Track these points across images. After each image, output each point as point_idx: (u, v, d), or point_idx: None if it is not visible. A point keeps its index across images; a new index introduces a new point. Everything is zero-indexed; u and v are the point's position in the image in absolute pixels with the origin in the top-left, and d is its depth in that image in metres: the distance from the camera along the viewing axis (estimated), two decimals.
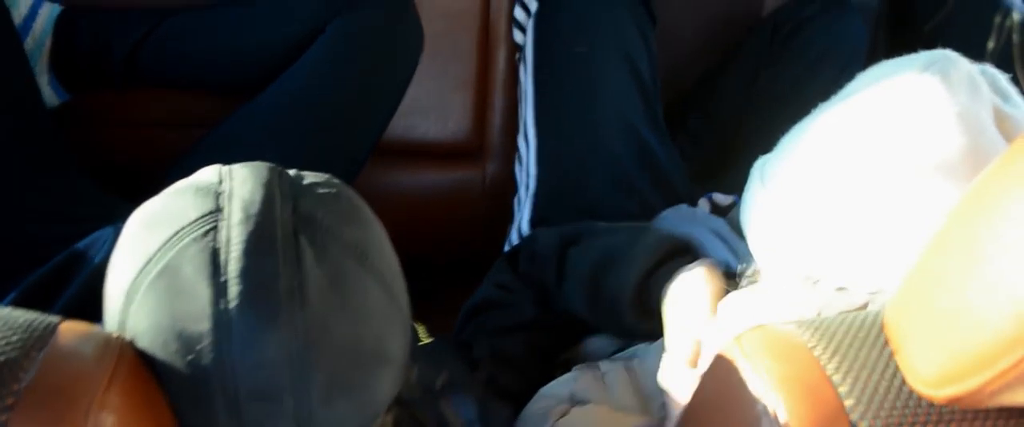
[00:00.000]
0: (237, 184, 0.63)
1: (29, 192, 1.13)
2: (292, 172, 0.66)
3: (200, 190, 0.63)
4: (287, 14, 1.27)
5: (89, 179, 1.23)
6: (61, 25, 1.28)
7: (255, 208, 0.60)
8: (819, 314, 0.74)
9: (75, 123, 1.30)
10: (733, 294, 0.83)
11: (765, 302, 0.79)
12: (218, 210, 0.61)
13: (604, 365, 0.94)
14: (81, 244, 0.96)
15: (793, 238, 0.80)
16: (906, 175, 0.73)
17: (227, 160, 1.26)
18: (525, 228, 1.17)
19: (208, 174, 0.65)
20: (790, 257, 0.81)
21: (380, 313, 0.64)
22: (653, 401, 0.87)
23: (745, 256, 0.89)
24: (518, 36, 1.30)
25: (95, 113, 1.32)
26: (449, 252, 1.32)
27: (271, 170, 0.64)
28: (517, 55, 1.29)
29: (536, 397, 0.94)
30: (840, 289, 0.76)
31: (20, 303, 0.92)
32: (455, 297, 1.11)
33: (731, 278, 0.88)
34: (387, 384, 0.65)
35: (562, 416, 0.89)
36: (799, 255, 0.80)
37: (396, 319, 0.66)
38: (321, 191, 0.64)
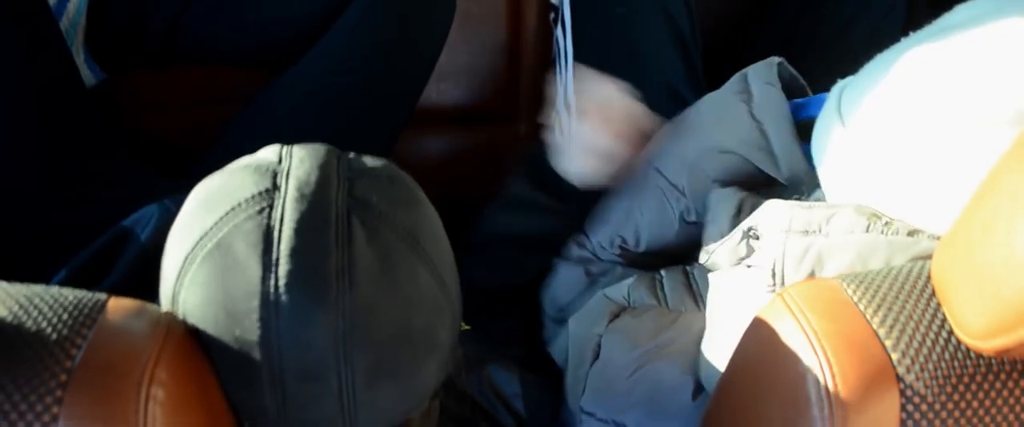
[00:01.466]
0: (295, 164, 0.63)
1: (72, 172, 1.14)
2: (351, 155, 0.66)
3: (259, 168, 0.63)
4: None
5: (130, 157, 1.24)
6: (94, 4, 1.29)
7: (310, 188, 0.61)
8: (886, 262, 0.71)
9: (113, 101, 1.32)
10: (779, 202, 0.80)
11: (826, 231, 0.75)
12: (275, 189, 0.61)
13: (662, 271, 0.94)
14: (127, 222, 0.97)
15: (869, 178, 0.76)
16: (1000, 124, 0.69)
17: (265, 133, 1.26)
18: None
19: (268, 153, 0.66)
20: (864, 196, 0.77)
21: (429, 299, 0.64)
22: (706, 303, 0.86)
23: (786, 163, 0.87)
24: None
25: (132, 91, 1.33)
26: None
27: (330, 151, 0.65)
28: (552, 15, 1.27)
29: (595, 298, 0.94)
30: (912, 233, 0.73)
31: (69, 283, 0.93)
32: None
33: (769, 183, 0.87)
34: (433, 371, 0.66)
35: (615, 318, 0.90)
36: (874, 196, 0.77)
37: (445, 306, 0.66)
38: (377, 175, 0.65)
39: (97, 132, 1.22)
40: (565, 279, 1.01)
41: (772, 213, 0.78)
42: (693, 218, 0.94)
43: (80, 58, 1.29)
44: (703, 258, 0.88)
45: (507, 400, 0.88)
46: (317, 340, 0.59)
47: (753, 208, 0.85)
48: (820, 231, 0.75)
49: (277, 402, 0.61)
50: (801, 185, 0.87)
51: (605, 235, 1.00)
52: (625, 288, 0.92)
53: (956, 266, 0.58)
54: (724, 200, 0.88)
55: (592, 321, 0.91)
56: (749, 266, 0.79)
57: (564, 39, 1.18)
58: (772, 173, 0.89)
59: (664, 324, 0.88)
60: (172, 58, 1.32)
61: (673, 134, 0.99)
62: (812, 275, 0.74)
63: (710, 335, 0.82)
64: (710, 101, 0.97)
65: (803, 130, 0.88)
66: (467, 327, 0.97)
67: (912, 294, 0.63)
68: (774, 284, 0.75)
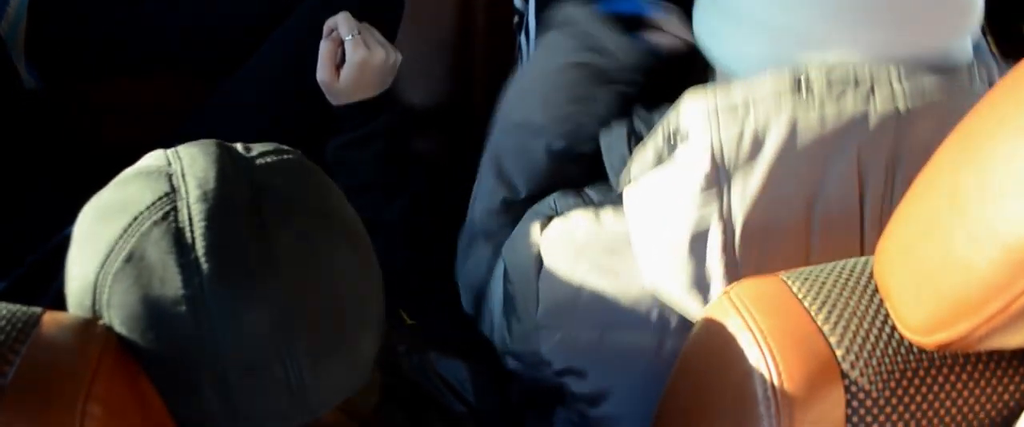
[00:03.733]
0: (187, 163, 0.62)
1: (12, 181, 1.12)
2: (239, 145, 0.65)
3: (150, 174, 0.62)
4: None
5: (72, 164, 1.22)
6: (36, 7, 1.26)
7: (211, 183, 0.60)
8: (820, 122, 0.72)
9: (55, 109, 1.29)
10: (694, 92, 0.79)
11: (754, 99, 0.75)
12: (173, 191, 0.60)
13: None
14: (69, 230, 0.95)
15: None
16: None
17: (215, 138, 1.26)
18: None
19: (154, 158, 0.64)
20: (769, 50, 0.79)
21: (352, 270, 0.64)
22: None
23: None
24: (520, 3, 1.24)
25: (76, 98, 1.30)
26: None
27: (218, 145, 0.64)
28: (516, 19, 1.26)
29: (521, 221, 0.94)
30: (832, 84, 0.74)
31: (10, 294, 0.91)
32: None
33: None
34: (370, 340, 0.66)
35: (545, 228, 0.90)
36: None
37: (368, 273, 0.66)
38: (273, 159, 0.64)
39: (38, 138, 1.20)
40: (474, 261, 1.02)
41: (692, 104, 0.76)
42: (560, 146, 0.94)
43: (21, 63, 1.26)
44: (619, 182, 0.87)
45: (455, 387, 0.88)
46: (253, 333, 0.58)
47: (644, 120, 0.86)
48: (750, 104, 0.74)
49: (224, 402, 0.60)
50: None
51: (485, 203, 1.01)
52: (550, 200, 0.92)
53: (896, 263, 0.59)
54: (614, 132, 0.90)
55: (525, 240, 0.91)
56: (676, 166, 0.77)
57: (528, 46, 1.17)
58: (613, 68, 0.91)
59: (596, 231, 0.87)
60: (115, 64, 1.30)
61: (512, 82, 1.02)
62: (756, 149, 0.72)
63: (642, 252, 0.81)
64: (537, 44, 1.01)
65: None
66: (411, 322, 0.97)
67: (855, 290, 0.64)
68: (717, 172, 0.73)
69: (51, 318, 0.58)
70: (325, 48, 1.08)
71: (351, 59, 1.07)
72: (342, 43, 1.08)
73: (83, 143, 1.27)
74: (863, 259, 0.67)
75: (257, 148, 0.65)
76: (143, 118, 1.31)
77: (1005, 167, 0.51)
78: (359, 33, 1.08)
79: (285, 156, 0.65)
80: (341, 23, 1.08)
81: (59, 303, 0.65)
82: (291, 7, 1.22)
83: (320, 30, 1.10)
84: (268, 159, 0.64)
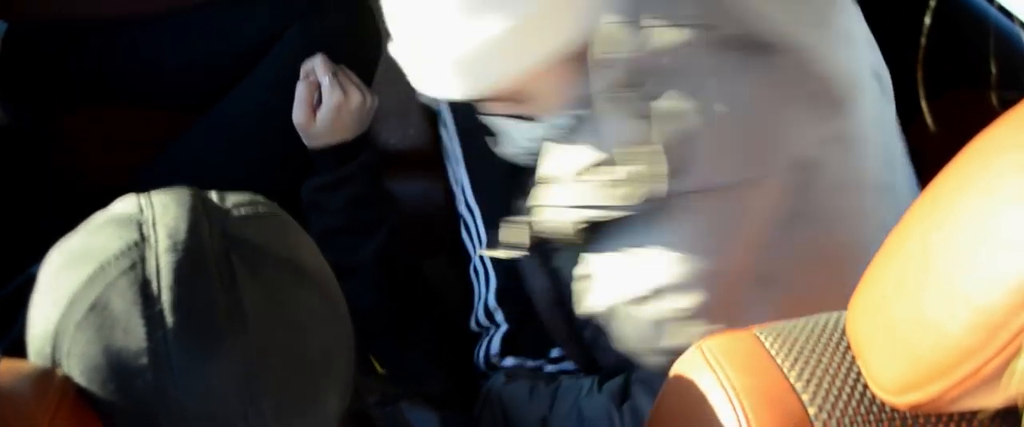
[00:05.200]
0: (159, 211, 0.61)
1: None
2: (214, 194, 0.64)
3: (121, 221, 0.61)
4: (246, 20, 1.25)
5: (45, 200, 1.20)
6: (9, 42, 1.25)
7: (181, 234, 0.59)
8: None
9: (33, 142, 1.28)
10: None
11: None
12: (143, 240, 0.59)
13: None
14: (34, 268, 0.94)
15: None
16: None
17: (190, 175, 1.24)
18: (492, 302, 1.13)
19: (126, 204, 0.63)
20: None
21: (321, 327, 0.63)
22: None
23: None
24: (429, 98, 1.21)
25: (48, 129, 1.29)
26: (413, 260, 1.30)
27: (193, 194, 0.63)
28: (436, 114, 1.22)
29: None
30: None
31: None
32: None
33: None
34: (337, 396, 0.64)
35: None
36: None
37: (339, 329, 0.65)
38: (247, 210, 0.63)
39: (10, 175, 1.19)
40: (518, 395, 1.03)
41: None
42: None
43: None
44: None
45: None
46: (218, 389, 0.57)
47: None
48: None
49: None
50: None
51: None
52: None
53: (868, 322, 0.59)
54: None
55: None
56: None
57: (451, 141, 1.16)
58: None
59: None
60: (92, 98, 1.29)
61: None
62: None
63: None
64: None
65: None
66: (382, 370, 0.96)
67: (828, 347, 0.63)
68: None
69: (7, 366, 0.56)
70: (301, 90, 1.07)
71: (327, 102, 1.06)
72: (319, 86, 1.07)
73: (56, 176, 1.26)
74: (836, 315, 0.66)
75: (232, 198, 0.64)
76: (117, 151, 1.29)
77: (973, 227, 0.51)
78: (336, 76, 1.07)
79: (260, 208, 0.64)
80: (318, 66, 1.08)
81: (20, 346, 0.64)
82: (269, 46, 1.21)
83: (297, 71, 1.09)
84: (242, 210, 0.63)
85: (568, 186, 0.86)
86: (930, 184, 0.56)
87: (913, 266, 0.54)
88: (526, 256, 0.94)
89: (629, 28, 0.81)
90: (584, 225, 0.85)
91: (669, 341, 0.84)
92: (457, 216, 1.17)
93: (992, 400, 0.54)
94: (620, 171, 0.83)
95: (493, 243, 0.96)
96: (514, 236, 0.91)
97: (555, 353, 1.10)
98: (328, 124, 1.07)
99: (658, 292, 0.84)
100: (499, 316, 1.12)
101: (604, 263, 0.87)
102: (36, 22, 1.27)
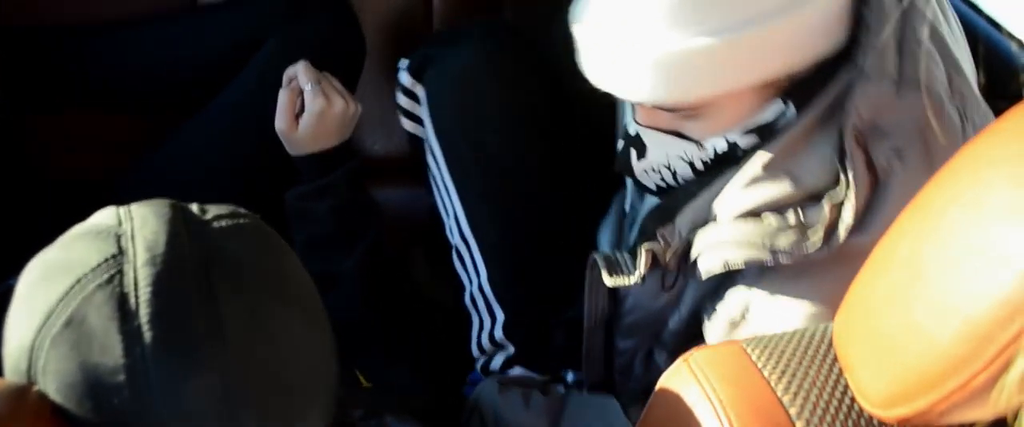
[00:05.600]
0: (138, 224, 0.59)
1: None
2: (194, 206, 0.63)
3: (99, 234, 0.59)
4: (228, 25, 1.24)
5: (18, 204, 1.19)
6: None
7: (160, 247, 0.58)
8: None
9: (18, 144, 1.26)
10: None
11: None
12: (121, 253, 0.58)
13: None
14: (12, 279, 0.92)
15: None
16: None
17: (170, 181, 1.23)
18: (499, 334, 1.10)
19: (105, 216, 0.62)
20: None
21: (303, 342, 0.61)
22: None
23: None
24: (411, 126, 1.15)
25: (36, 133, 1.28)
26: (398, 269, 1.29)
27: (172, 206, 0.61)
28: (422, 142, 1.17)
29: None
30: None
31: None
32: None
33: None
34: (319, 413, 0.63)
35: None
36: None
37: (322, 344, 0.64)
38: (228, 223, 0.62)
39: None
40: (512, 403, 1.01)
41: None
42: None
43: None
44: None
45: None
46: (198, 406, 0.56)
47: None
48: None
49: None
50: None
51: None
52: None
53: (856, 334, 0.58)
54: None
55: None
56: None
57: (439, 170, 1.12)
58: None
59: None
60: (77, 100, 1.28)
61: None
62: None
63: None
64: None
65: None
66: (368, 385, 0.95)
67: (815, 360, 0.63)
68: None
69: None
70: (284, 97, 1.06)
71: (310, 109, 1.05)
72: (302, 92, 1.06)
73: (31, 178, 1.24)
74: (823, 327, 0.66)
75: (213, 210, 0.62)
76: (95, 154, 1.28)
77: (962, 240, 0.51)
78: (319, 83, 1.06)
79: (241, 220, 0.62)
80: (301, 72, 1.06)
81: None
82: (252, 52, 1.20)
83: (280, 78, 1.08)
84: (223, 222, 0.61)
85: (729, 225, 0.84)
86: (919, 193, 0.56)
87: (902, 277, 0.54)
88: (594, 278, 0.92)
89: (882, 83, 0.79)
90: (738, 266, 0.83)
91: None
92: (447, 244, 1.14)
93: (981, 414, 0.54)
94: (791, 216, 0.80)
95: (577, 275, 0.94)
96: (644, 262, 0.87)
97: (571, 377, 1.07)
98: (311, 131, 1.06)
99: None
100: (507, 344, 1.10)
101: (761, 300, 0.84)
102: (22, 26, 1.26)
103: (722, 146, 0.86)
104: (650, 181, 0.93)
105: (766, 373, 0.62)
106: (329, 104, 1.05)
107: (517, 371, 1.09)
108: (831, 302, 0.70)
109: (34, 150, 1.27)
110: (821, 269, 0.80)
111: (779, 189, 0.81)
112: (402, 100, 1.14)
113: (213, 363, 0.56)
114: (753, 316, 0.84)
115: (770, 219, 0.81)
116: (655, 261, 0.87)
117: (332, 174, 1.08)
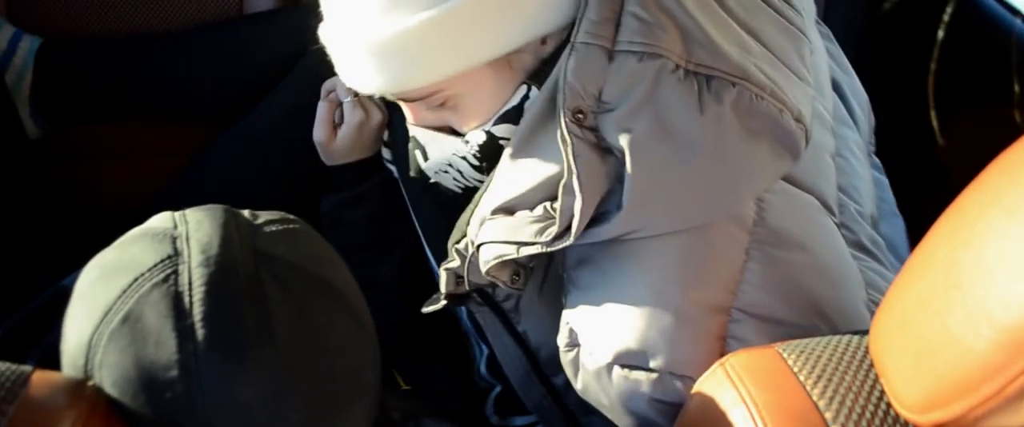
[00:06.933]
0: (193, 227, 0.62)
1: (12, 228, 1.12)
2: (246, 212, 0.65)
3: (156, 236, 0.62)
4: (268, 38, 1.27)
5: (74, 212, 1.22)
6: (42, 57, 1.27)
7: (214, 250, 0.60)
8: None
9: (59, 156, 1.30)
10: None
11: None
12: (176, 254, 0.60)
13: None
14: (66, 281, 0.95)
15: None
16: None
17: (214, 187, 1.25)
18: (483, 369, 1.06)
19: (161, 220, 0.65)
20: None
21: (349, 343, 0.63)
22: None
23: None
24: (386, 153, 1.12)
25: (80, 145, 1.31)
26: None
27: (226, 211, 0.64)
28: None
29: None
30: None
31: (4, 342, 0.91)
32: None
33: None
34: (362, 412, 0.65)
35: None
36: None
37: (366, 346, 0.65)
38: (278, 228, 0.64)
39: (40, 187, 1.20)
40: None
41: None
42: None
43: (25, 111, 1.27)
44: None
45: None
46: (246, 402, 0.58)
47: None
48: None
49: None
50: None
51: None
52: None
53: (892, 339, 0.59)
54: None
55: None
56: None
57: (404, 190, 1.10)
58: None
59: None
60: (121, 111, 1.31)
61: None
62: None
63: None
64: None
65: None
66: (406, 386, 0.97)
67: (851, 365, 0.63)
68: None
69: (40, 378, 0.57)
70: (322, 109, 1.08)
71: (349, 120, 1.07)
72: (340, 104, 1.08)
73: (82, 188, 1.28)
74: (860, 334, 0.66)
75: (264, 216, 0.65)
76: (143, 163, 1.31)
77: (999, 246, 0.51)
78: (357, 95, 1.08)
79: (290, 225, 0.65)
80: (339, 84, 1.09)
81: (51, 357, 0.65)
82: (291, 64, 1.23)
83: (318, 90, 1.10)
84: (273, 228, 0.64)
85: (496, 220, 0.79)
86: (956, 200, 0.56)
87: (940, 284, 0.54)
88: (486, 320, 0.87)
89: (590, 50, 0.74)
90: (516, 267, 0.78)
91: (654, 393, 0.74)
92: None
93: (1016, 420, 0.54)
94: (539, 209, 0.76)
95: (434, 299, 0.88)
96: (444, 283, 0.82)
97: None
98: (348, 142, 1.07)
99: (644, 340, 0.74)
100: (493, 381, 1.06)
101: (583, 320, 0.78)
102: (68, 37, 1.29)
103: (481, 138, 0.83)
104: (449, 183, 0.90)
105: (801, 378, 0.63)
106: (367, 115, 1.07)
107: (522, 421, 1.05)
108: (651, 300, 0.73)
109: (82, 162, 1.30)
110: (619, 268, 0.77)
111: (522, 180, 0.78)
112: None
113: (261, 361, 0.58)
114: (579, 337, 0.79)
115: (521, 213, 0.78)
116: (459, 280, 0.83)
117: (367, 183, 1.09)
